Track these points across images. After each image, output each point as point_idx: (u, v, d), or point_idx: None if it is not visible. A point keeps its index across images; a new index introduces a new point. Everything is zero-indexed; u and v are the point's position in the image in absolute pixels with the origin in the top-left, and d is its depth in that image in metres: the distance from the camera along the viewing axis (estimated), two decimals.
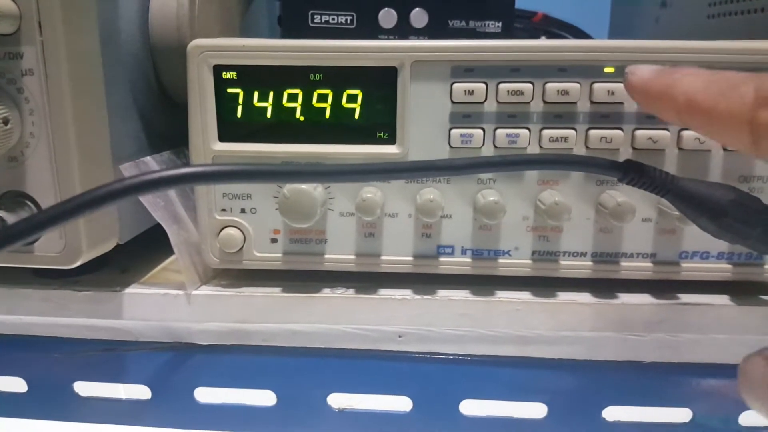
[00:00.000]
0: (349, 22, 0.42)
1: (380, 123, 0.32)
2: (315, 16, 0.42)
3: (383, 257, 0.33)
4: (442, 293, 0.33)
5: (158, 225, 0.33)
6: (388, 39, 0.42)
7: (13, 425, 0.38)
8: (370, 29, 0.42)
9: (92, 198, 0.21)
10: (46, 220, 0.21)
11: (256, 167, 0.25)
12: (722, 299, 0.32)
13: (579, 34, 0.64)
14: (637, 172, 0.26)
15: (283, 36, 0.44)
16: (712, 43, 0.29)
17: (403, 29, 0.42)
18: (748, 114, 0.18)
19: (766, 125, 0.17)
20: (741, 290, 0.33)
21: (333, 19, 0.42)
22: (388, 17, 0.41)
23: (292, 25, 0.44)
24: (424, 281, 0.34)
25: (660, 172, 0.26)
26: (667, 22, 0.57)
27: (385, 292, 0.33)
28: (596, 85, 0.30)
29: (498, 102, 0.30)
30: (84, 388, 0.36)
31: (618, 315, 0.32)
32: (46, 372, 0.36)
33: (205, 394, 0.36)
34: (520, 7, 0.64)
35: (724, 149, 0.31)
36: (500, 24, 0.43)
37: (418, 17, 0.41)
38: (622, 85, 0.30)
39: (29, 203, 0.30)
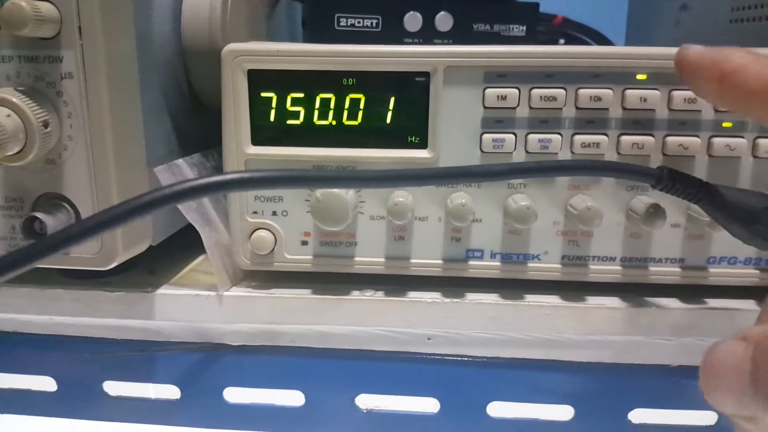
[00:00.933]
0: (374, 25, 0.42)
1: (412, 127, 0.32)
2: (341, 20, 0.42)
3: (413, 260, 0.34)
4: (471, 296, 0.33)
5: (184, 227, 0.34)
6: (413, 42, 0.42)
7: (43, 424, 0.38)
8: (395, 32, 0.42)
9: (131, 207, 0.21)
10: (85, 230, 0.21)
11: (291, 173, 0.25)
12: (749, 304, 0.32)
13: (598, 37, 0.64)
14: (671, 179, 0.26)
15: (306, 39, 0.44)
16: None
17: (428, 32, 0.42)
18: None
19: None
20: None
21: (359, 22, 0.42)
22: (413, 21, 0.41)
23: (317, 27, 0.44)
24: (453, 284, 0.34)
25: (693, 178, 0.27)
26: (688, 26, 0.57)
27: (414, 295, 0.34)
28: (628, 92, 0.30)
29: (530, 107, 0.31)
30: (114, 387, 0.37)
31: (646, 319, 0.32)
32: (76, 372, 0.37)
33: (234, 394, 0.36)
34: (541, 10, 0.65)
35: (753, 156, 0.31)
36: (524, 28, 0.43)
37: (443, 21, 0.42)
38: (653, 91, 0.30)
39: (66, 205, 0.30)
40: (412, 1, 0.41)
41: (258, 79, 0.31)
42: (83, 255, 0.31)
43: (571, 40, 0.63)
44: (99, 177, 0.30)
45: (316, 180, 0.27)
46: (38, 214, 0.29)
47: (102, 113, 0.29)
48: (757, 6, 0.47)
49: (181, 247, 0.38)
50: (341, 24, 0.42)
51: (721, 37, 0.51)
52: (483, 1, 0.42)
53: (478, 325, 0.33)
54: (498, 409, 0.34)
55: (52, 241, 0.21)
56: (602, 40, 0.65)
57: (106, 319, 0.35)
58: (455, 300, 0.33)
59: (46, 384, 0.37)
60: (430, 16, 0.42)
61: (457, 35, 0.42)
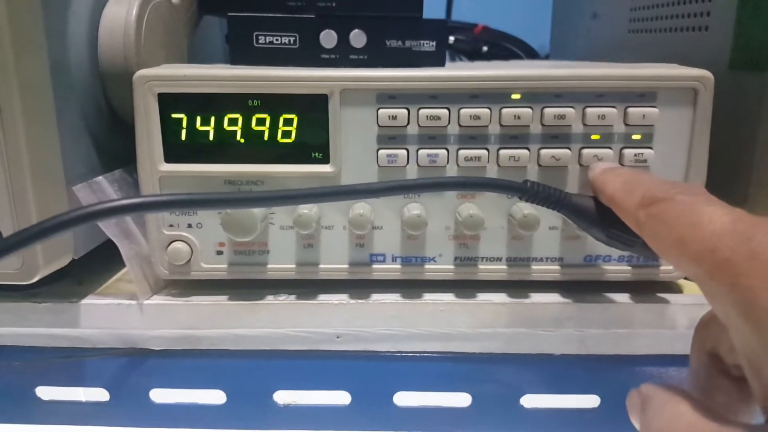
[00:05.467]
0: (292, 42, 0.44)
1: (314, 144, 0.35)
2: (259, 37, 0.44)
3: (321, 266, 0.36)
4: (375, 297, 0.36)
5: (111, 239, 0.36)
6: (329, 58, 0.44)
7: None
8: (312, 49, 0.44)
9: (43, 228, 0.24)
10: (5, 248, 0.24)
11: (204, 196, 0.28)
12: (623, 297, 0.36)
13: (520, 44, 0.67)
14: (533, 191, 0.30)
15: (230, 54, 0.46)
16: (598, 70, 0.33)
17: (344, 49, 0.44)
18: (633, 210, 0.25)
19: (644, 221, 0.24)
20: (640, 289, 0.37)
21: (277, 39, 0.44)
22: (328, 38, 0.44)
23: (238, 45, 0.46)
24: (359, 287, 0.37)
25: (553, 190, 0.30)
26: (596, 34, 0.61)
27: (323, 298, 0.37)
28: (504, 110, 0.33)
29: (419, 125, 0.34)
30: (46, 392, 0.39)
31: (530, 313, 0.36)
32: (9, 379, 0.38)
33: (159, 395, 0.38)
34: (462, 19, 0.68)
35: (620, 164, 0.34)
36: (434, 43, 0.46)
37: (357, 38, 0.44)
38: (526, 109, 0.33)
39: None
40: (328, 20, 0.44)
41: (168, 102, 0.34)
42: (6, 271, 0.33)
43: (493, 49, 0.66)
44: (17, 198, 0.32)
45: (223, 202, 0.29)
46: None
47: (18, 139, 0.31)
48: (647, 19, 0.51)
49: (109, 257, 0.40)
50: (260, 42, 0.44)
51: (621, 46, 0.55)
52: (394, 19, 0.44)
53: (382, 323, 0.36)
54: (403, 399, 0.38)
55: None
56: (524, 47, 0.68)
57: (35, 328, 0.37)
58: (361, 301, 0.36)
59: None
60: (344, 34, 0.44)
61: (371, 51, 0.45)
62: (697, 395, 0.25)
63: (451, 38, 0.65)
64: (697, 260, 0.21)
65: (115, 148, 0.40)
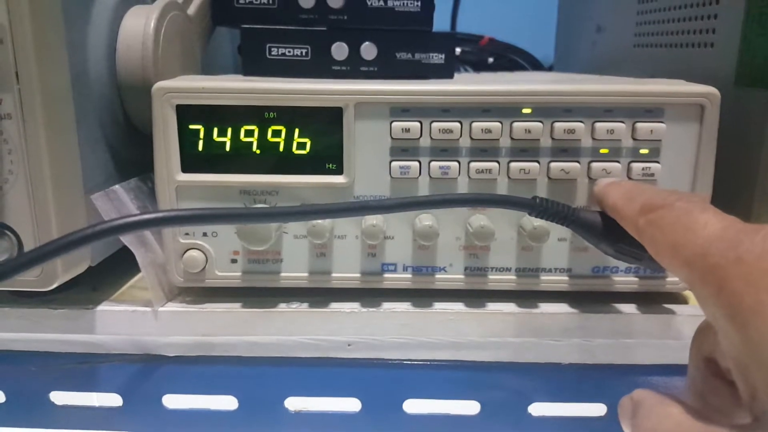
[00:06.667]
0: (304, 54, 0.45)
1: (328, 156, 0.35)
2: (272, 49, 0.45)
3: (333, 274, 0.37)
4: (386, 306, 0.37)
5: (126, 246, 0.37)
6: (341, 69, 0.45)
7: None
8: (324, 61, 0.45)
9: (67, 242, 0.25)
10: (27, 261, 0.25)
11: (222, 212, 0.29)
12: (630, 308, 0.37)
13: (525, 56, 0.68)
14: (542, 208, 0.30)
15: (242, 65, 0.47)
16: (603, 86, 0.34)
17: (355, 61, 0.45)
18: (634, 217, 0.26)
19: (642, 227, 0.25)
20: (646, 300, 0.37)
21: (289, 51, 0.45)
22: (339, 50, 0.45)
23: (251, 56, 0.47)
24: (370, 295, 0.38)
25: (563, 206, 0.31)
26: (601, 47, 0.62)
27: (335, 306, 0.37)
28: (515, 124, 0.34)
29: (431, 138, 0.35)
30: (60, 397, 0.39)
31: (539, 322, 0.36)
32: (24, 383, 0.39)
33: (172, 401, 0.39)
34: (466, 29, 0.69)
35: (629, 177, 0.35)
36: (443, 56, 0.47)
37: (368, 50, 0.45)
38: (537, 123, 0.34)
39: (8, 233, 0.33)
40: (339, 33, 0.45)
41: (186, 113, 0.35)
42: (25, 278, 0.33)
43: (499, 59, 0.67)
44: (38, 206, 0.32)
45: (240, 217, 0.30)
46: None
47: (39, 149, 0.32)
48: (654, 34, 0.52)
49: (123, 264, 0.41)
50: (273, 53, 0.45)
51: (626, 61, 0.56)
52: (404, 32, 0.45)
53: (392, 331, 0.37)
54: (413, 406, 0.38)
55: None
56: (529, 59, 0.69)
57: (50, 334, 0.38)
58: (372, 309, 0.37)
59: None
60: (355, 46, 0.45)
61: (381, 63, 0.46)
62: (693, 398, 0.26)
63: (458, 50, 0.66)
64: (689, 265, 0.21)
65: (130, 157, 0.41)
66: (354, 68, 0.46)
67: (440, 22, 0.47)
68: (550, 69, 0.77)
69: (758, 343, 0.19)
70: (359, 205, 0.30)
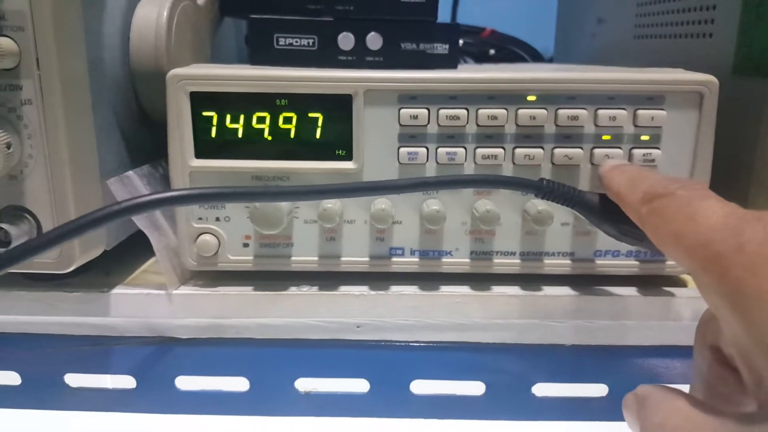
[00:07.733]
0: (311, 44, 0.46)
1: (338, 142, 0.36)
2: (279, 39, 0.46)
3: (343, 258, 0.38)
4: (394, 289, 0.38)
5: (137, 232, 0.37)
6: (347, 59, 0.46)
7: (8, 416, 0.41)
8: (330, 50, 0.46)
9: (87, 221, 0.25)
10: (48, 241, 0.25)
11: (232, 190, 0.30)
12: (630, 291, 0.38)
13: (526, 48, 0.69)
14: (549, 189, 0.31)
15: (249, 55, 0.48)
16: (606, 74, 0.35)
17: (361, 50, 0.46)
18: (636, 205, 0.26)
19: (645, 216, 0.25)
20: (647, 283, 0.39)
21: (296, 41, 0.46)
22: (346, 40, 0.45)
23: (258, 46, 0.47)
24: (379, 279, 0.39)
25: (568, 188, 0.32)
26: (602, 39, 0.62)
27: (344, 289, 0.38)
28: (520, 111, 0.35)
29: (439, 125, 0.36)
30: (74, 379, 0.40)
31: (542, 305, 0.37)
32: (38, 366, 0.40)
33: (185, 383, 0.40)
34: (466, 21, 0.70)
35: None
36: (447, 47, 0.47)
37: (374, 40, 0.46)
38: (541, 110, 0.35)
39: (28, 216, 0.33)
40: (345, 23, 0.45)
41: (200, 100, 0.35)
42: (44, 260, 0.34)
43: (500, 51, 0.68)
44: (57, 190, 0.33)
45: (251, 195, 0.31)
46: (2, 225, 0.32)
47: (58, 134, 0.32)
48: (654, 25, 0.53)
49: (134, 249, 0.42)
50: (280, 43, 0.46)
51: (626, 52, 0.56)
52: (409, 23, 0.46)
53: (400, 314, 0.38)
54: (420, 387, 0.39)
55: (17, 252, 0.25)
56: (530, 50, 0.70)
57: (65, 317, 0.38)
58: (380, 292, 0.38)
59: (10, 378, 0.40)
60: (361, 36, 0.45)
61: (386, 53, 0.46)
62: (700, 387, 0.26)
63: (460, 41, 0.67)
64: (691, 253, 0.21)
65: (143, 145, 0.42)
66: (360, 58, 0.46)
67: (441, 15, 0.48)
68: (550, 61, 0.78)
69: (761, 331, 0.19)
70: (371, 185, 0.31)
